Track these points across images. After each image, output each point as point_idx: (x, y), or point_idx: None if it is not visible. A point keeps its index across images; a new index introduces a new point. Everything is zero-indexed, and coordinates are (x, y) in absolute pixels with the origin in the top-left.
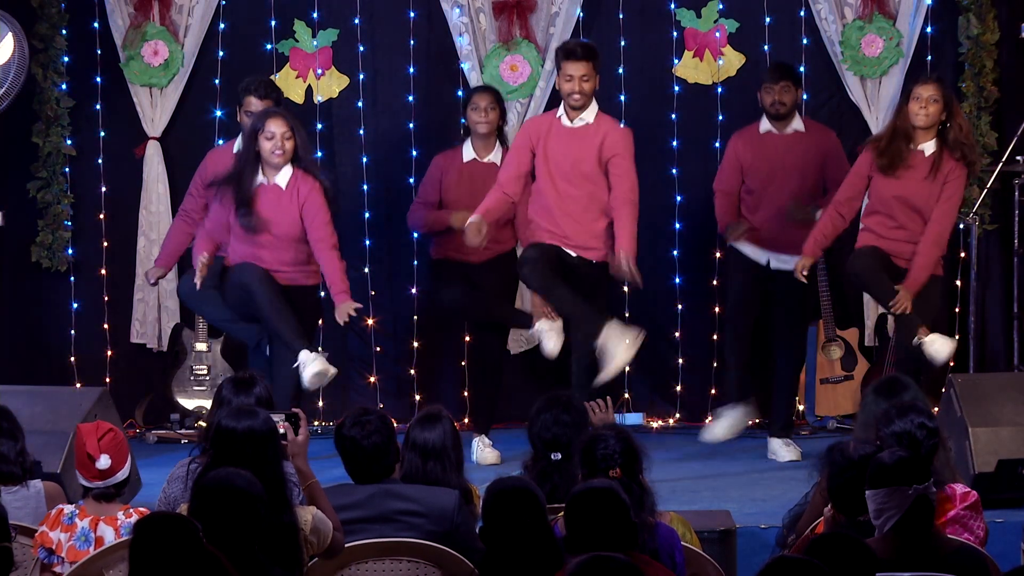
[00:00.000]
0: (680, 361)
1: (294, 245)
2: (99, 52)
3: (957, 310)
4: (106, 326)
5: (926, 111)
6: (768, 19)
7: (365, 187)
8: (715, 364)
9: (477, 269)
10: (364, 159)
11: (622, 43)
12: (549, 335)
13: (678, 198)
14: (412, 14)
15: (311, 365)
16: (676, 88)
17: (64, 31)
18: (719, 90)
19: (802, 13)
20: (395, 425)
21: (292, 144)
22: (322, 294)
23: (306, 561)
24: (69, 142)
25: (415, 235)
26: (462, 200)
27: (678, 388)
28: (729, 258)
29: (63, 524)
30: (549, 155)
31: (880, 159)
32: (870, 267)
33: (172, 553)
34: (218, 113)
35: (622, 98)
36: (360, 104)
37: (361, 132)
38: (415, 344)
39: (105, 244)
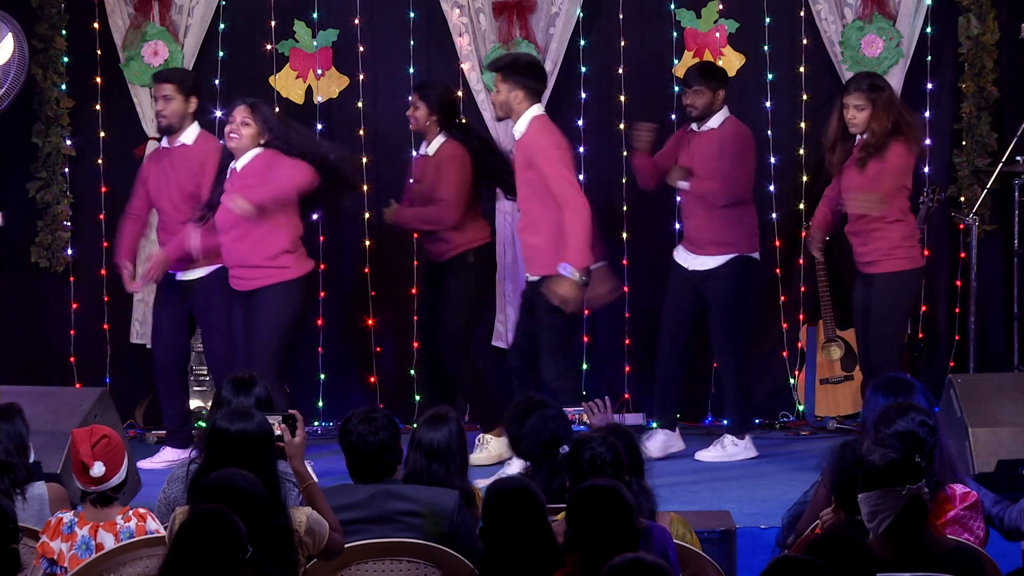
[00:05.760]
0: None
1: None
2: (99, 52)
3: (957, 310)
4: (106, 326)
5: (855, 119)
6: (768, 19)
7: (365, 187)
8: (714, 365)
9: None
10: (364, 159)
11: (622, 43)
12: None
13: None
14: (412, 14)
15: None
16: (676, 88)
17: (64, 31)
18: None
19: (802, 13)
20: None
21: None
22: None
23: (302, 562)
24: (69, 142)
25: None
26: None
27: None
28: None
29: (63, 533)
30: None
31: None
32: None
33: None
34: (218, 113)
35: (622, 98)
36: (360, 104)
37: (361, 132)
38: (415, 344)
39: (105, 244)
